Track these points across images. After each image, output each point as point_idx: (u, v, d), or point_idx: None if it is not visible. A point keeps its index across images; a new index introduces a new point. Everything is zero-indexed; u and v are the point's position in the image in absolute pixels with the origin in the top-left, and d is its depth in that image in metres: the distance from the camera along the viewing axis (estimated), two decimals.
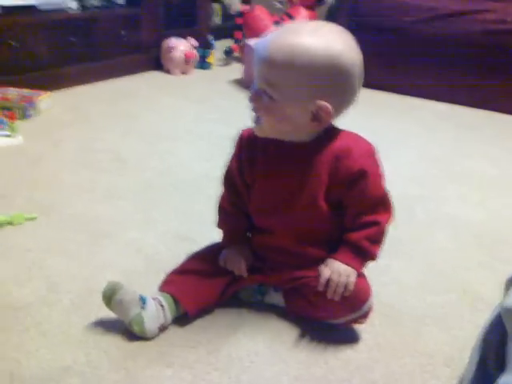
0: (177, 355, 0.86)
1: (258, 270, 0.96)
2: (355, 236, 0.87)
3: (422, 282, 1.12)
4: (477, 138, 2.16)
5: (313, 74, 0.76)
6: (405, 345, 0.92)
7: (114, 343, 0.87)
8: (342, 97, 0.81)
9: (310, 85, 0.77)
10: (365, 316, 0.90)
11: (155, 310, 0.89)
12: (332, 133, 0.86)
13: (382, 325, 0.97)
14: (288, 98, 0.78)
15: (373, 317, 0.96)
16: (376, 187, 0.87)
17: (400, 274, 1.14)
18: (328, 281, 0.87)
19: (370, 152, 0.86)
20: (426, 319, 1.00)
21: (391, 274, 1.13)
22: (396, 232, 1.28)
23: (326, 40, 0.77)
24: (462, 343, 0.92)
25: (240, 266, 0.94)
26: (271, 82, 0.78)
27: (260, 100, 0.80)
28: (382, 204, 0.88)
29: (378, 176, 0.87)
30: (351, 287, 0.86)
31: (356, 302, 0.88)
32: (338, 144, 0.85)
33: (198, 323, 0.94)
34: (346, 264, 0.87)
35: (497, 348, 0.68)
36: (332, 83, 0.78)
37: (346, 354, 0.89)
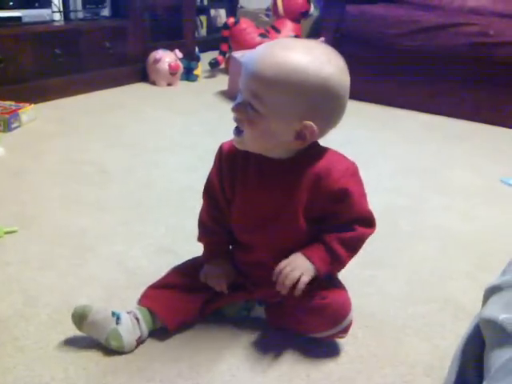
0: (158, 370, 0.85)
1: (240, 286, 0.95)
2: (329, 236, 0.85)
3: (405, 293, 1.12)
4: (462, 148, 2.18)
5: (302, 94, 0.75)
6: (386, 355, 0.92)
7: (93, 359, 0.86)
8: (329, 118, 0.80)
9: (298, 104, 0.76)
10: (345, 331, 0.90)
11: (131, 324, 0.88)
12: (314, 150, 0.85)
13: (364, 336, 0.96)
14: (274, 114, 0.77)
15: (355, 328, 0.96)
16: (358, 206, 0.85)
17: (384, 285, 1.14)
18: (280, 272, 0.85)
19: (351, 171, 0.84)
20: (408, 329, 1.00)
21: (375, 285, 1.13)
22: (381, 243, 1.29)
23: (318, 61, 0.75)
24: (442, 353, 0.92)
25: (221, 283, 0.93)
26: (258, 96, 0.76)
27: (244, 112, 0.79)
28: (363, 221, 0.86)
29: (360, 195, 0.85)
30: (301, 286, 0.83)
31: (336, 316, 0.88)
32: (320, 162, 0.83)
33: (179, 337, 0.93)
34: (311, 261, 0.85)
35: (476, 358, 0.68)
36: (320, 104, 0.77)
37: (328, 366, 0.89)
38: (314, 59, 0.75)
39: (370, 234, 0.87)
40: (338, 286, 0.92)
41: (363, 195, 0.86)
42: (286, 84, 0.74)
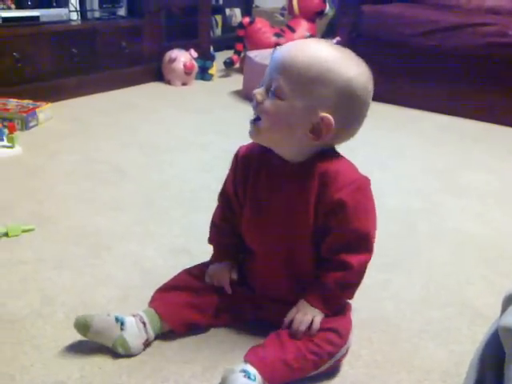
0: (172, 371, 0.85)
1: (248, 299, 0.95)
2: (325, 278, 0.84)
3: (421, 297, 1.11)
4: (479, 150, 2.15)
5: (326, 83, 0.76)
6: (402, 360, 0.91)
7: (109, 358, 0.86)
8: (346, 119, 0.80)
9: (320, 92, 0.77)
10: (345, 354, 0.86)
11: (136, 328, 0.87)
12: (327, 156, 0.83)
13: (380, 340, 0.96)
14: (294, 98, 0.77)
15: (370, 332, 0.96)
16: (357, 223, 0.81)
17: (399, 289, 1.13)
18: (292, 320, 0.85)
19: (357, 185, 0.81)
20: (424, 334, 0.98)
21: (391, 289, 1.12)
22: (397, 246, 1.29)
23: (349, 59, 0.78)
24: (459, 358, 0.90)
25: (223, 279, 0.93)
26: (281, 82, 0.77)
27: (265, 96, 0.80)
28: (360, 243, 0.83)
29: (362, 211, 0.82)
30: (316, 326, 0.83)
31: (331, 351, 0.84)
32: (328, 168, 0.81)
33: (194, 339, 0.93)
34: (314, 307, 0.85)
35: (495, 366, 0.67)
36: (340, 100, 0.77)
37: (343, 369, 0.88)
38: (345, 56, 0.79)
39: (368, 261, 0.85)
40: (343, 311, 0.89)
41: (365, 212, 0.83)
42: (311, 69, 0.76)
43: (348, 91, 0.77)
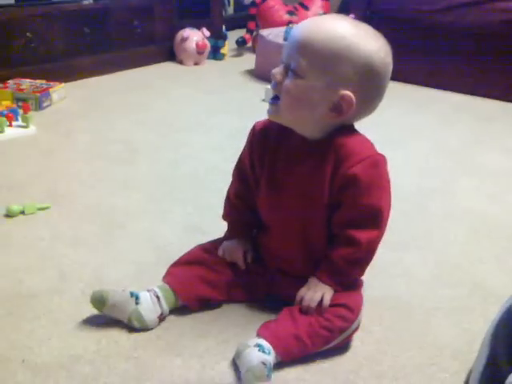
0: (186, 345, 0.87)
1: (260, 275, 0.96)
2: (333, 254, 0.85)
3: (433, 275, 1.11)
4: (494, 130, 2.12)
5: (344, 62, 0.76)
6: (413, 337, 0.92)
7: (124, 332, 0.88)
8: (366, 96, 0.79)
9: (338, 69, 0.76)
10: (355, 329, 0.87)
11: (151, 302, 0.89)
12: (345, 132, 0.83)
13: (392, 317, 0.96)
14: (312, 76, 0.77)
15: (382, 309, 0.97)
16: (368, 198, 0.81)
17: (412, 267, 1.13)
18: (303, 297, 0.86)
19: (372, 161, 0.81)
20: (436, 312, 0.99)
21: (403, 267, 1.13)
22: (409, 225, 1.29)
23: (366, 34, 0.78)
24: (471, 337, 0.91)
25: (237, 255, 0.94)
26: (300, 56, 0.77)
27: (284, 75, 0.79)
28: (370, 219, 0.83)
29: (375, 187, 0.82)
30: (326, 303, 0.84)
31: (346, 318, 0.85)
32: (345, 144, 0.81)
33: (208, 313, 0.94)
34: (324, 283, 0.86)
35: (507, 345, 0.67)
36: (360, 77, 0.77)
37: (354, 345, 0.89)
38: (363, 31, 0.78)
39: (378, 238, 0.85)
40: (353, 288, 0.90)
41: (378, 188, 0.82)
42: (330, 47, 0.76)
43: (368, 67, 0.77)
